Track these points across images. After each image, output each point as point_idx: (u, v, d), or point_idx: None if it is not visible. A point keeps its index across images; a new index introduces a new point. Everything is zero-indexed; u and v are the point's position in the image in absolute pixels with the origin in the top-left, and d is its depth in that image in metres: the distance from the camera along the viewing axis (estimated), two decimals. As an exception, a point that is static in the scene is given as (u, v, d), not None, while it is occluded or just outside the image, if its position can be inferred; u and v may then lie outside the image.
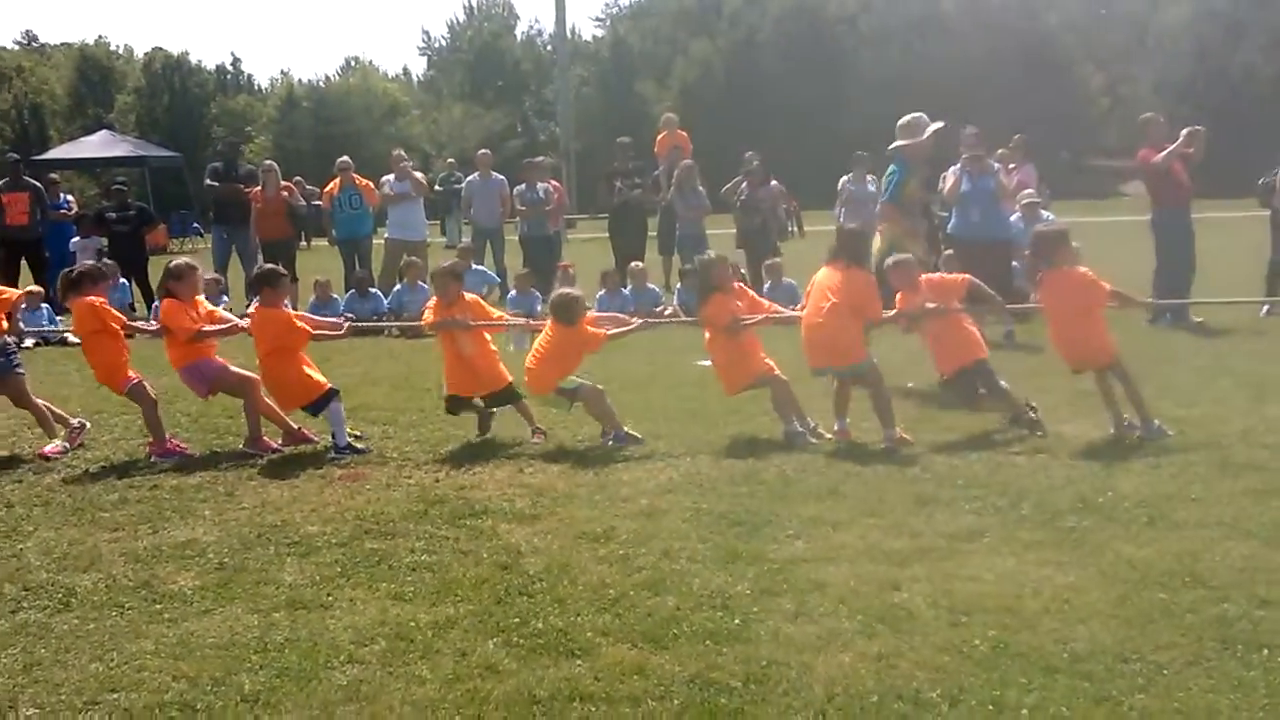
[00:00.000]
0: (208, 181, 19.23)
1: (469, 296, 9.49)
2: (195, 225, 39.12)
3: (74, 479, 8.26)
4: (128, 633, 5.35)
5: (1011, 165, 16.39)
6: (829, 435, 8.62)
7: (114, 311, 9.29)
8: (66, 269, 9.68)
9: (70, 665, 5.01)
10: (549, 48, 75.46)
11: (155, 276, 18.41)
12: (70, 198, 22.55)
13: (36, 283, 15.60)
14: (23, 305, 9.83)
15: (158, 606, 5.68)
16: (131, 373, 9.07)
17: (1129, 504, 6.74)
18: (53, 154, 43.73)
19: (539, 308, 14.32)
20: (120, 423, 9.66)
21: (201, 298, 9.34)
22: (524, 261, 18.00)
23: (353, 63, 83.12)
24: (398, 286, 16.49)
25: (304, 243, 28.36)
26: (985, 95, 44.67)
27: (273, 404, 9.01)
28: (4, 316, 9.17)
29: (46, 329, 14.40)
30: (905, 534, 6.36)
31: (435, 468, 8.22)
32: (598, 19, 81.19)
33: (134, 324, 9.72)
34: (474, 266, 17.03)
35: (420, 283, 16.16)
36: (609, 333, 9.28)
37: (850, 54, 60.12)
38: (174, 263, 9.24)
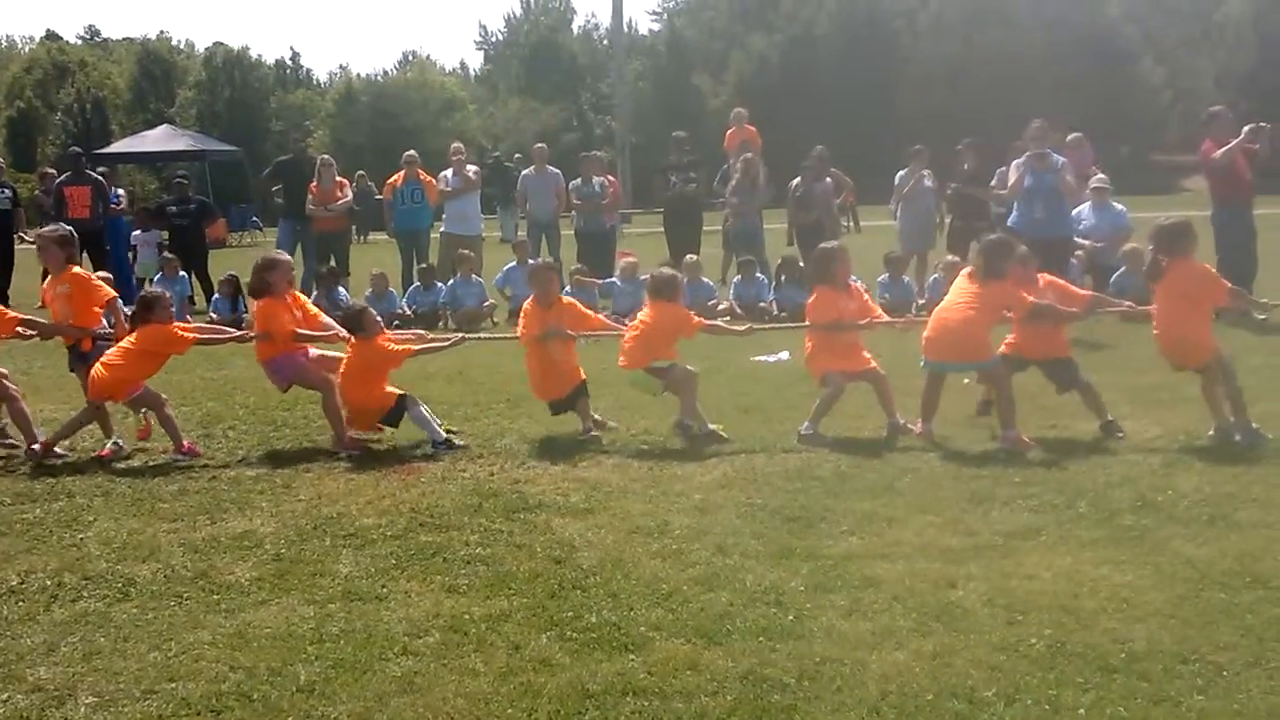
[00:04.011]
0: (266, 175, 19.19)
1: (566, 299, 9.56)
2: (254, 219, 39.57)
3: (134, 470, 8.35)
4: (186, 623, 5.41)
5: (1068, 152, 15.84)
6: (915, 430, 8.52)
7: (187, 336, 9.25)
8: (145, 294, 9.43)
9: (129, 654, 5.07)
10: (605, 42, 75.50)
11: (214, 270, 18.72)
12: (120, 192, 22.56)
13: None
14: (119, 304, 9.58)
15: (215, 597, 5.75)
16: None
17: (1188, 503, 6.67)
18: (115, 148, 44.40)
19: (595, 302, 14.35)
20: (179, 414, 9.74)
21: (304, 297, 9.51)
22: (578, 256, 18.03)
23: (410, 57, 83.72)
24: (451, 280, 16.55)
25: (358, 237, 28.59)
26: (1044, 89, 44.19)
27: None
28: (102, 311, 9.32)
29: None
30: (961, 531, 6.32)
31: (490, 461, 8.25)
32: (654, 13, 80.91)
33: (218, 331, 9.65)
34: (530, 261, 17.08)
35: (474, 276, 16.28)
36: (705, 323, 9.36)
37: (907, 48, 59.71)
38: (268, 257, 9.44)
